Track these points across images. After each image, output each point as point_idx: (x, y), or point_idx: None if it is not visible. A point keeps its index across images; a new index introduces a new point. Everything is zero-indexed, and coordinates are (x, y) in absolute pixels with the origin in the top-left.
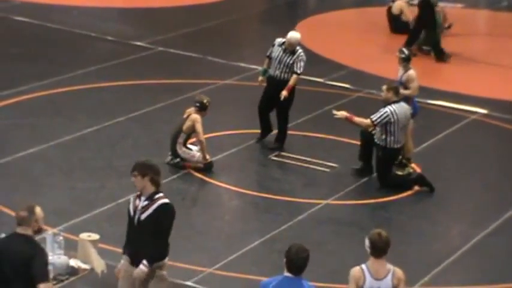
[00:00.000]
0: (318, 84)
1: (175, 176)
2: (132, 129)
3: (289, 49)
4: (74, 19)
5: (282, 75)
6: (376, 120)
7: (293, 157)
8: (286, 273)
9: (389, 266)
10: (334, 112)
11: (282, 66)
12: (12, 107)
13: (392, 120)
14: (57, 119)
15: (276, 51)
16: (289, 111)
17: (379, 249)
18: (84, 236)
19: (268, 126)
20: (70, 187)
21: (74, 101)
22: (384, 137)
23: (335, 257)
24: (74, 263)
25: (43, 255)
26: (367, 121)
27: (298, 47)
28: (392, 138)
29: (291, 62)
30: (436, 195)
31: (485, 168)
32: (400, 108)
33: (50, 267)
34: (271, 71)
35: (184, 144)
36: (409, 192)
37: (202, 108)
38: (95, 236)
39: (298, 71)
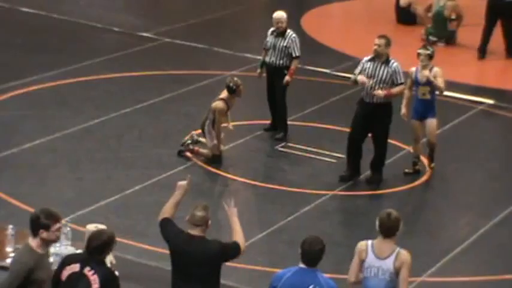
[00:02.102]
0: (324, 75)
1: (181, 168)
2: (139, 121)
3: (279, 29)
4: (80, 10)
5: (278, 61)
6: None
7: (300, 148)
8: (301, 265)
9: (395, 248)
10: (375, 93)
11: (276, 51)
12: (18, 98)
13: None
14: (63, 110)
15: (270, 40)
16: (294, 102)
17: (386, 229)
18: (91, 227)
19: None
20: (77, 178)
21: (80, 92)
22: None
23: (342, 248)
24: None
25: (230, 248)
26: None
27: (288, 30)
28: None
29: (284, 45)
30: (444, 185)
31: (493, 159)
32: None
33: (57, 258)
34: (267, 59)
35: (213, 125)
36: (416, 183)
37: (230, 91)
38: (102, 227)
39: (295, 54)
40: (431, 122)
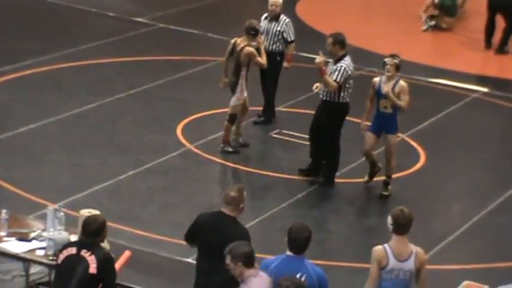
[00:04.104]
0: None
1: (175, 154)
2: (133, 106)
3: (273, 14)
4: None
5: (271, 46)
6: (339, 80)
7: (293, 135)
8: (288, 252)
9: (412, 247)
10: (317, 57)
11: (269, 36)
12: (12, 82)
13: (349, 74)
14: (57, 94)
15: (263, 25)
16: (288, 88)
17: (402, 226)
18: (84, 212)
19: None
20: (71, 163)
21: (74, 77)
22: (337, 92)
23: (335, 235)
24: (74, 239)
25: (246, 239)
26: (334, 83)
27: (282, 15)
28: (346, 92)
29: (278, 29)
30: (437, 173)
31: (486, 147)
32: (349, 61)
33: (50, 243)
34: None
35: (246, 78)
36: (409, 171)
37: (256, 35)
38: (96, 212)
39: (290, 39)
40: (391, 138)
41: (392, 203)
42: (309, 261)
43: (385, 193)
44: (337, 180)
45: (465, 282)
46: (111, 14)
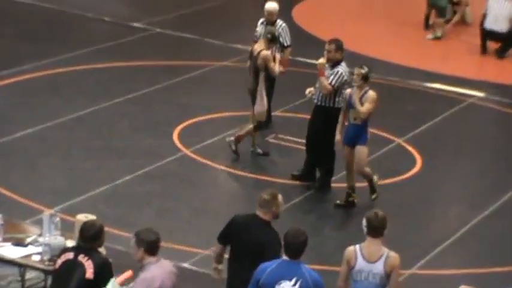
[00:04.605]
0: (314, 66)
1: (172, 158)
2: (130, 111)
3: (270, 20)
4: (71, 0)
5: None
6: (335, 84)
7: (290, 139)
8: (284, 257)
9: (384, 250)
10: (321, 59)
11: None
12: (9, 87)
13: (345, 79)
14: (54, 99)
15: (260, 30)
16: (285, 93)
17: (375, 228)
18: (81, 217)
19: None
20: (67, 168)
21: (71, 81)
22: (333, 97)
23: (331, 240)
24: (70, 244)
25: (276, 243)
26: (329, 86)
27: (278, 19)
28: (341, 97)
29: None
30: (434, 177)
31: (483, 151)
32: (345, 66)
33: (46, 248)
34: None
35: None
36: (406, 175)
37: (273, 40)
38: (92, 217)
39: (286, 43)
40: (359, 150)
41: (389, 207)
42: (305, 266)
43: (338, 202)
44: (332, 184)
45: (462, 287)
46: (108, 19)
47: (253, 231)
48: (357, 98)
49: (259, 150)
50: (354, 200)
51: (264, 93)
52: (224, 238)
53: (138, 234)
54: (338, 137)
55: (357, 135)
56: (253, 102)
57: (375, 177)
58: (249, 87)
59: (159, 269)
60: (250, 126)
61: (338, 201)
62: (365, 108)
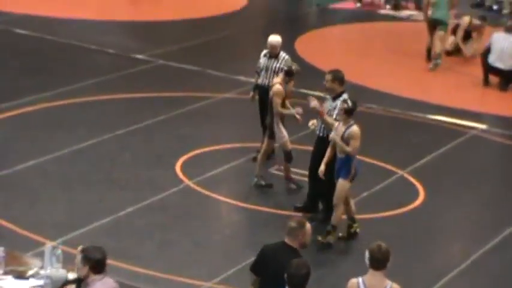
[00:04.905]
0: (317, 98)
1: (174, 190)
2: (132, 143)
3: (273, 53)
4: (74, 32)
5: (270, 82)
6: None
7: (293, 171)
8: None
9: (388, 283)
10: (311, 101)
11: (269, 73)
12: (12, 119)
13: None
14: (56, 131)
15: (262, 62)
16: (288, 125)
17: (377, 261)
18: None
19: None
20: (69, 200)
21: (73, 113)
22: None
23: (334, 272)
24: (72, 276)
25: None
26: (334, 122)
27: (281, 51)
28: None
29: (277, 66)
30: (437, 210)
31: (485, 184)
32: (347, 98)
33: (48, 281)
34: (259, 81)
35: (282, 120)
36: (409, 207)
37: (289, 74)
38: None
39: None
40: (339, 183)
41: (392, 239)
42: None
43: (320, 239)
44: None
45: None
46: (110, 51)
47: (281, 258)
48: (339, 135)
49: (262, 182)
50: (356, 231)
51: (281, 126)
52: (256, 268)
53: (84, 252)
54: (322, 167)
55: (340, 168)
56: (265, 133)
57: (355, 224)
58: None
59: (102, 285)
60: (260, 157)
61: (340, 234)
62: (351, 147)
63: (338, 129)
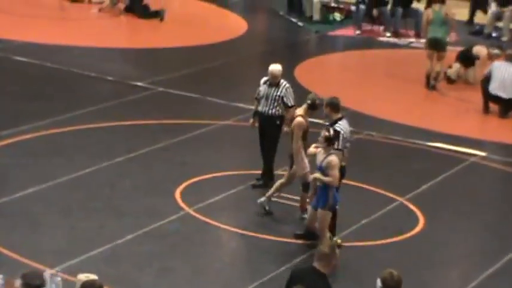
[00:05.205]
0: (318, 125)
1: (174, 217)
2: (132, 169)
3: (274, 82)
4: (74, 59)
5: (270, 110)
6: (339, 145)
7: (293, 198)
8: None
9: None
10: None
11: (269, 101)
12: (11, 146)
13: (345, 136)
14: (56, 159)
15: (263, 90)
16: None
17: None
18: (82, 277)
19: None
20: (69, 227)
21: (73, 141)
22: None
23: None
24: None
25: None
26: (337, 153)
27: (281, 79)
28: (342, 156)
29: (277, 94)
30: (436, 237)
31: (485, 211)
32: (344, 124)
33: None
34: (259, 108)
35: (303, 147)
36: (408, 234)
37: (311, 107)
38: (93, 277)
39: (290, 104)
40: (319, 213)
41: (392, 267)
42: None
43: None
44: None
45: None
46: (110, 78)
47: (308, 284)
48: (318, 162)
49: (267, 206)
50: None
51: (304, 156)
52: None
53: (23, 278)
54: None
55: (319, 197)
56: (290, 164)
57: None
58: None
59: None
60: (279, 182)
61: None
62: (331, 177)
63: (318, 157)
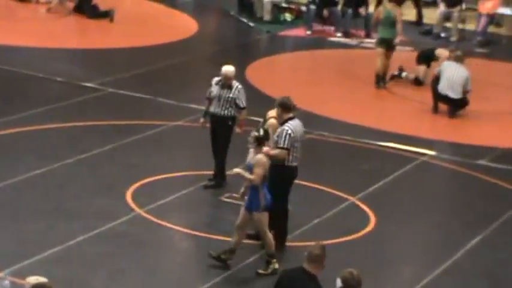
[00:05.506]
0: None
1: (125, 219)
2: (82, 171)
3: (226, 83)
4: (21, 60)
5: (222, 111)
6: (285, 144)
7: (245, 199)
8: None
9: None
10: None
11: (221, 102)
12: None
13: (293, 135)
14: (4, 160)
15: (215, 90)
16: (239, 152)
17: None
18: (31, 279)
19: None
20: (17, 229)
21: (21, 142)
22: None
23: None
24: None
25: None
26: (281, 151)
27: (234, 81)
28: (292, 156)
29: (229, 96)
30: (386, 236)
31: (435, 209)
32: (296, 124)
33: None
34: (211, 109)
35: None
36: (359, 234)
37: (283, 107)
38: (43, 280)
39: (242, 105)
40: (255, 216)
41: (343, 267)
42: None
43: (262, 271)
44: (289, 243)
45: None
46: (59, 79)
47: (300, 286)
48: (238, 170)
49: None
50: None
51: None
52: None
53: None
54: (240, 195)
55: (250, 199)
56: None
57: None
58: None
59: None
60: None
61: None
62: (254, 175)
63: (249, 156)
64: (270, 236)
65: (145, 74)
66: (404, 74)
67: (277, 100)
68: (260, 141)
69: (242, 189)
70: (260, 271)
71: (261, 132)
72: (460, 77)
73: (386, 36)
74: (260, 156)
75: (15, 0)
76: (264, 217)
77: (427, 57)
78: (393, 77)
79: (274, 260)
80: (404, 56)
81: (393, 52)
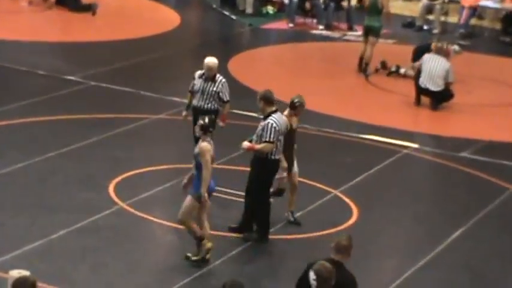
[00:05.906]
0: (251, 118)
1: (107, 212)
2: (64, 165)
3: (210, 75)
4: (3, 53)
5: (206, 105)
6: (271, 137)
7: (227, 192)
8: None
9: None
10: (242, 146)
11: (205, 95)
12: None
13: (277, 128)
14: None
15: (198, 83)
16: (222, 145)
17: (325, 280)
18: (14, 273)
19: None
20: None
21: (3, 136)
22: None
23: None
24: None
25: (354, 284)
26: (267, 145)
27: (217, 74)
28: (275, 149)
29: (213, 89)
30: (369, 228)
31: (418, 202)
32: (279, 117)
33: None
34: (194, 102)
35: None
36: (342, 227)
37: (291, 108)
38: (26, 273)
39: (226, 99)
40: (188, 199)
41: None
42: None
43: (188, 254)
44: (271, 236)
45: None
46: (41, 72)
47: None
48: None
49: (291, 218)
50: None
51: (283, 159)
52: (300, 285)
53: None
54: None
55: (195, 185)
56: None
57: (207, 243)
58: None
59: None
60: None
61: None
62: (207, 163)
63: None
64: (191, 222)
65: (127, 67)
66: (403, 70)
67: (260, 93)
68: (205, 130)
69: (185, 180)
70: (189, 254)
71: (206, 120)
72: (440, 70)
73: (371, 23)
74: (203, 144)
75: None
76: (194, 203)
77: (423, 53)
78: (377, 70)
79: (205, 241)
80: (387, 48)
81: (377, 40)
